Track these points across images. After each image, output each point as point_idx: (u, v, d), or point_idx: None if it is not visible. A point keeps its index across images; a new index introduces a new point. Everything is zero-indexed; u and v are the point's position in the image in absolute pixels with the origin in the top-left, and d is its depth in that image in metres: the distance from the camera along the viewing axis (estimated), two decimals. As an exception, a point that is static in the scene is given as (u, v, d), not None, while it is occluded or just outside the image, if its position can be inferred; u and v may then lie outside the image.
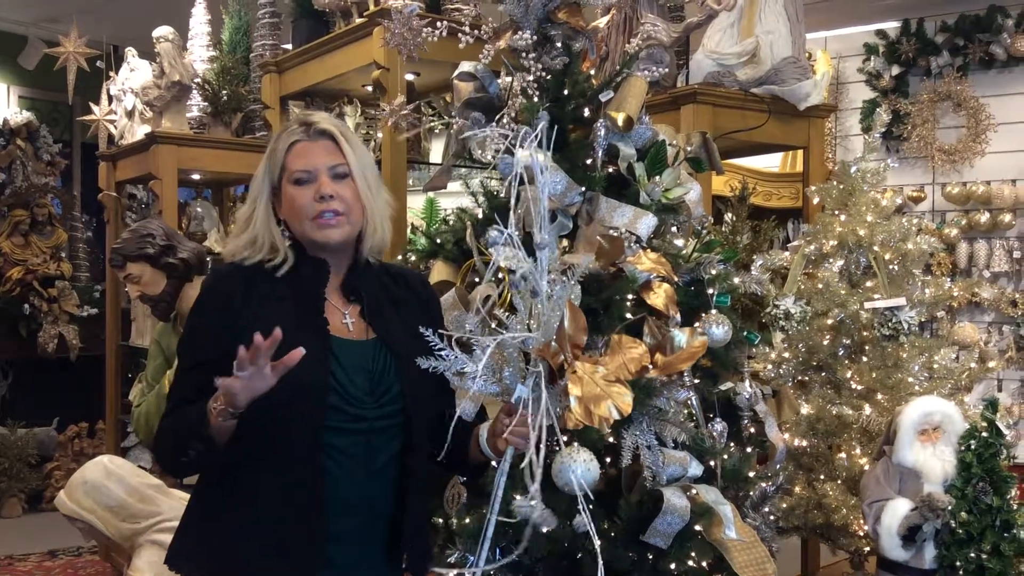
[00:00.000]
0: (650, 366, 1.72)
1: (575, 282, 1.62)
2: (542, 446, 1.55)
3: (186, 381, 1.76)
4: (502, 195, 2.50)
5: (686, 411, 2.32)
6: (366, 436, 1.74)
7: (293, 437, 1.69)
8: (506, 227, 1.59)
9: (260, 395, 1.63)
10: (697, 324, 2.37)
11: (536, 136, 1.66)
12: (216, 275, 1.87)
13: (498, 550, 2.01)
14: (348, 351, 1.76)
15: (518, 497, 1.59)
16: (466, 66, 2.55)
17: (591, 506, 1.56)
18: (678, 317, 2.30)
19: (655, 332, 2.17)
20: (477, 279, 2.46)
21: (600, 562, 1.56)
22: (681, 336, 2.08)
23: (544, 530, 1.67)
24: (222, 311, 1.74)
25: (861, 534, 3.12)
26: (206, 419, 1.63)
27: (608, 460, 2.07)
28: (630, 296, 2.23)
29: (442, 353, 1.58)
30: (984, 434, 2.70)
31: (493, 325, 1.64)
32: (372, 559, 1.79)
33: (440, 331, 1.61)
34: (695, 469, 2.16)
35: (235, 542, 1.73)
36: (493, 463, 1.77)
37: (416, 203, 5.15)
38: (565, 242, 2.35)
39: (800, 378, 3.42)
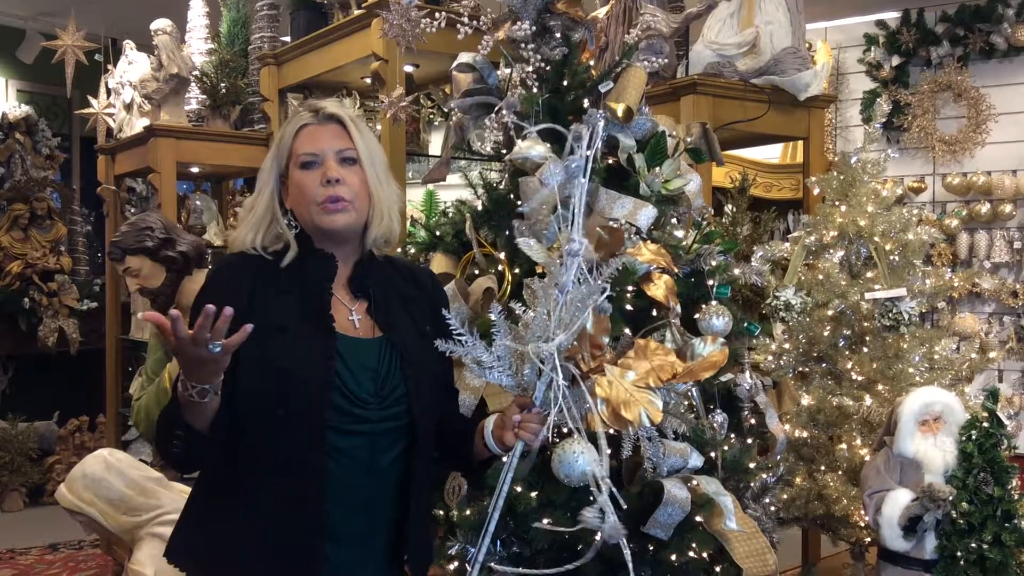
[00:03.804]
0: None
1: (603, 282, 1.59)
2: (605, 458, 1.54)
3: None
4: (501, 187, 2.50)
5: (686, 402, 2.32)
6: (370, 437, 1.71)
7: (295, 437, 1.65)
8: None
9: (262, 384, 1.62)
10: (697, 315, 2.36)
11: (589, 137, 1.64)
12: (221, 266, 1.84)
13: (499, 542, 2.01)
14: (354, 349, 1.71)
15: (587, 509, 1.57)
16: (465, 57, 2.55)
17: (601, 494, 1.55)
18: (678, 308, 2.29)
19: (677, 337, 2.15)
20: (476, 271, 2.46)
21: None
22: (702, 344, 2.06)
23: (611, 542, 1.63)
24: (227, 304, 1.71)
25: (862, 525, 3.12)
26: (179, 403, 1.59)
27: (608, 451, 2.07)
28: (630, 288, 2.23)
29: (462, 338, 1.57)
30: (985, 424, 2.70)
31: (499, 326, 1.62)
32: (373, 560, 1.76)
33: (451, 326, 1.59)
34: (696, 460, 2.16)
35: (235, 540, 1.70)
36: (503, 458, 1.75)
37: (415, 195, 5.14)
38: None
39: (800, 369, 3.41)
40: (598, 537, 1.58)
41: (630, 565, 1.57)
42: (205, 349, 1.47)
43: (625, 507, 1.59)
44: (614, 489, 1.58)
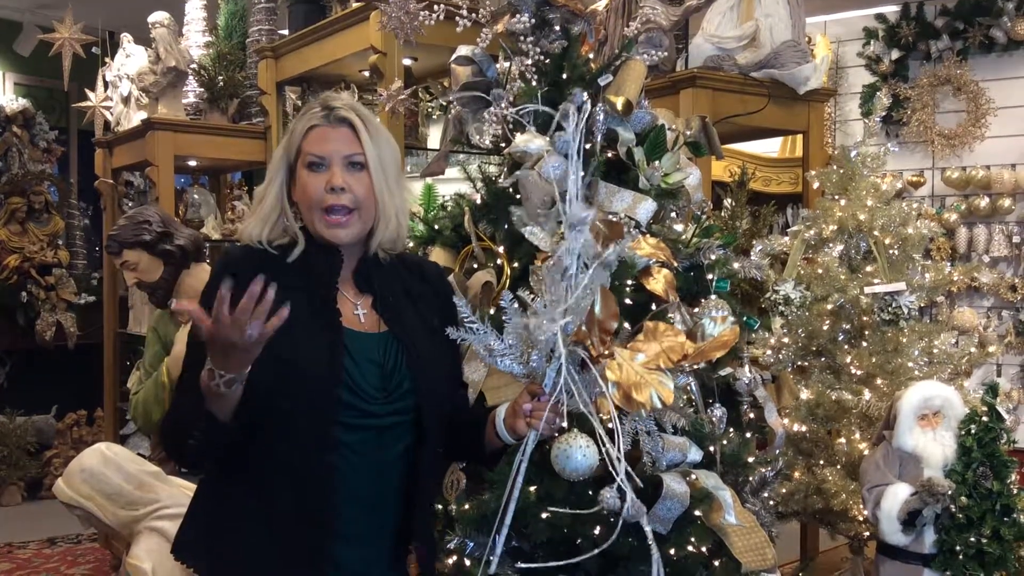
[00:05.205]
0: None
1: (609, 264, 1.58)
2: (619, 438, 1.53)
3: (195, 374, 1.60)
4: (501, 181, 2.49)
5: (685, 396, 2.31)
6: (376, 432, 1.69)
7: (302, 433, 1.64)
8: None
9: (269, 379, 1.59)
10: (696, 309, 2.36)
11: (579, 116, 1.64)
12: (227, 259, 1.81)
13: (496, 538, 2.00)
14: (360, 344, 1.70)
15: (605, 489, 1.56)
16: (463, 50, 2.53)
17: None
18: (677, 302, 2.29)
19: (687, 319, 2.14)
20: (475, 265, 2.45)
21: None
22: (712, 324, 2.06)
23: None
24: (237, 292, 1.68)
25: (860, 519, 3.12)
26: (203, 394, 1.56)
27: (607, 446, 2.06)
28: (629, 282, 2.22)
29: (473, 326, 1.55)
30: (984, 419, 2.70)
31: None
32: (379, 554, 1.75)
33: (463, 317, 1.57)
34: (695, 454, 2.15)
35: (241, 537, 1.69)
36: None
37: (414, 189, 5.13)
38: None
39: (800, 363, 3.41)
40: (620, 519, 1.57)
41: (653, 547, 1.57)
42: (243, 335, 1.44)
43: (641, 485, 1.58)
44: (629, 468, 1.57)
